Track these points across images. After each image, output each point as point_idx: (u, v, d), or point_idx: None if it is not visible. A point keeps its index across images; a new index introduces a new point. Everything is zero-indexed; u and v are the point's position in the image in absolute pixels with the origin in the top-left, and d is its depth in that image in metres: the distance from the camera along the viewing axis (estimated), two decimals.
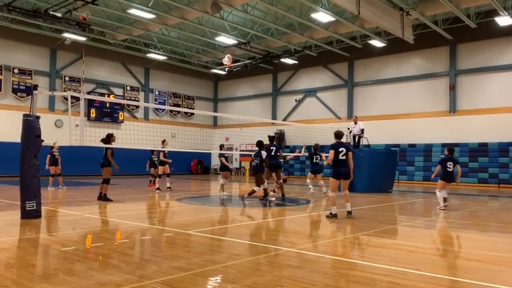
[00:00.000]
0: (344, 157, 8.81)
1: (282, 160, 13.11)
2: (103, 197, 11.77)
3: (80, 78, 26.48)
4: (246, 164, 30.24)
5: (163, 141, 15.85)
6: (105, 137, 11.84)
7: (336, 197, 8.97)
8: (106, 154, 11.76)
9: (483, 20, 21.46)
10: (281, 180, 12.63)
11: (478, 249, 6.41)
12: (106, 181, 11.80)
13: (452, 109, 23.43)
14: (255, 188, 11.19)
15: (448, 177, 10.65)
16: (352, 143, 17.35)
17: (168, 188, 15.42)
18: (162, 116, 31.49)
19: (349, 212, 8.94)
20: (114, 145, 11.90)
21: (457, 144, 22.89)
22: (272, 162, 12.25)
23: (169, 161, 15.57)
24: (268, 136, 13.51)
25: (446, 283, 4.46)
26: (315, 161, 14.87)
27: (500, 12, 19.43)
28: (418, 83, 24.87)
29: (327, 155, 9.63)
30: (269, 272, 4.74)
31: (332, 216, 8.77)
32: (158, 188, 15.36)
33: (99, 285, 4.08)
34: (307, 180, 15.04)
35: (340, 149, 8.81)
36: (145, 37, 26.02)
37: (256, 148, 11.87)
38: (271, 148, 12.30)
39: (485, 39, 22.37)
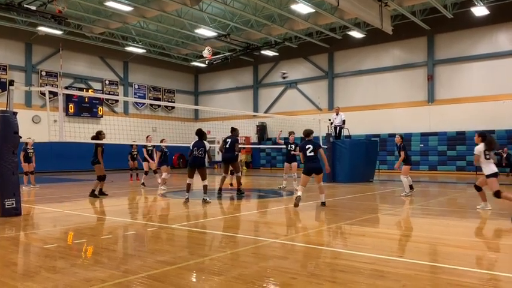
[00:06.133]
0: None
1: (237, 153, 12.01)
2: (91, 193, 11.62)
3: (57, 73, 25.97)
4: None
5: (147, 137, 15.66)
6: (94, 134, 11.59)
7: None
8: (96, 152, 11.55)
9: (459, 10, 21.81)
10: (239, 174, 12.08)
11: (457, 235, 6.57)
12: (99, 178, 11.57)
13: (431, 99, 23.81)
14: (205, 182, 10.24)
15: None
16: (333, 134, 17.49)
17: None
18: (142, 110, 31.15)
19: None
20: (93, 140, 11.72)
21: (435, 133, 23.35)
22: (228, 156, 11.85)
23: (150, 161, 15.53)
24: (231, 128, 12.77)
25: (428, 269, 4.57)
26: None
27: (476, 3, 19.80)
28: (397, 74, 25.17)
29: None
30: (254, 263, 4.77)
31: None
32: (143, 183, 15.26)
33: (83, 282, 4.04)
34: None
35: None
36: (124, 30, 25.63)
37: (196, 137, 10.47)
38: (227, 140, 11.89)
39: (461, 30, 22.75)
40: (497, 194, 7.81)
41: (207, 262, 4.82)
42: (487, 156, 8.13)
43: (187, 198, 10.15)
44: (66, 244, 6.05)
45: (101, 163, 11.53)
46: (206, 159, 10.37)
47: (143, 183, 15.21)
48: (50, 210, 9.39)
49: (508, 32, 21.75)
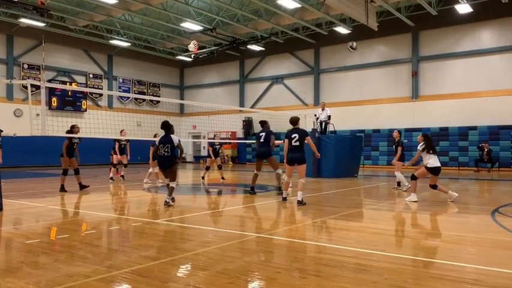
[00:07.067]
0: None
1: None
2: (81, 186, 11.84)
3: (39, 66, 25.53)
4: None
5: (122, 131, 15.46)
6: (69, 128, 11.67)
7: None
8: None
9: (444, 7, 22.07)
10: (278, 171, 11.01)
11: (440, 230, 6.67)
12: (63, 172, 11.70)
13: (415, 95, 24.07)
14: (173, 184, 8.90)
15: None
16: (319, 130, 17.57)
17: (121, 176, 15.40)
18: (126, 104, 30.85)
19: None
20: (77, 135, 11.61)
21: (419, 129, 23.60)
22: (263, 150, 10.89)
23: (119, 157, 15.22)
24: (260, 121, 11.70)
25: (410, 263, 4.63)
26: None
27: (460, 0, 20.02)
28: (382, 70, 25.38)
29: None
30: (239, 258, 4.78)
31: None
32: (111, 178, 15.18)
33: (66, 277, 4.00)
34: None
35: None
36: (108, 23, 25.28)
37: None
38: (261, 134, 10.95)
39: (446, 27, 23.02)
40: (413, 177, 9.58)
41: (191, 257, 4.81)
42: (430, 152, 9.25)
43: (173, 198, 9.04)
44: (48, 239, 5.98)
45: (64, 156, 11.56)
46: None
47: (112, 178, 15.17)
48: (33, 205, 9.26)
49: (490, 30, 22.08)
